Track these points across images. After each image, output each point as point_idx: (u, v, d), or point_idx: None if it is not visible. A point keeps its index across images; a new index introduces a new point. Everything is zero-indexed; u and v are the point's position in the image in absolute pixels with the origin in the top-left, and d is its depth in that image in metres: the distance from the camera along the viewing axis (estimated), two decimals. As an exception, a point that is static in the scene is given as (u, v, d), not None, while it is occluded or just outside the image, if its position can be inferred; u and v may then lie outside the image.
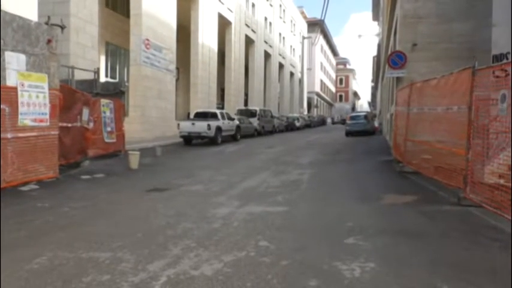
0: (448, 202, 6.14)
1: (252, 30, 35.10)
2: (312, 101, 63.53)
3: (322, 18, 42.23)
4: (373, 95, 58.96)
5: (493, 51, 7.71)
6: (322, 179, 8.82)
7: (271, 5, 41.38)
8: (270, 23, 41.51)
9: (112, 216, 5.44)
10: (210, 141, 17.62)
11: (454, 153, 6.28)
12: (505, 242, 4.23)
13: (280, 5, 45.03)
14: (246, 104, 34.15)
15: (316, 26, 58.41)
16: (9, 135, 6.74)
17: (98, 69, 13.47)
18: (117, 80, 21.72)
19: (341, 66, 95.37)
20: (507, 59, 7.21)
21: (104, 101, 11.55)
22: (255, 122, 24.24)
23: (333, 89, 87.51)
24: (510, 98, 4.77)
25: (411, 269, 3.50)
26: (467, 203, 5.71)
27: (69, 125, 9.25)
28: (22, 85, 7.06)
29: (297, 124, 35.29)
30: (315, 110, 64.46)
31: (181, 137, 17.64)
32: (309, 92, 60.04)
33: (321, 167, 10.69)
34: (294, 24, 52.66)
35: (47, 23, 7.95)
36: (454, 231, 4.65)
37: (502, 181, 4.94)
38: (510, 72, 4.82)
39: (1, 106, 6.60)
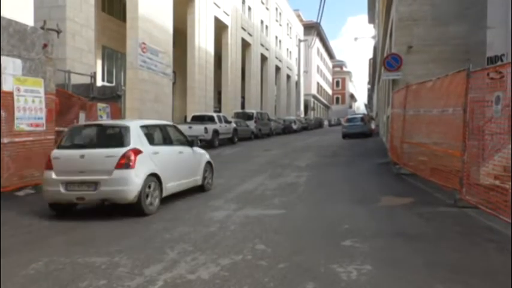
0: (445, 204, 6.16)
1: (249, 34, 35.15)
2: (309, 103, 63.57)
3: (318, 21, 42.24)
4: (370, 97, 59.01)
5: (488, 53, 7.75)
6: (319, 181, 8.82)
7: (267, 9, 41.49)
8: (267, 26, 41.60)
9: (109, 220, 5.43)
10: (207, 145, 17.59)
11: (450, 155, 6.31)
12: (501, 243, 4.24)
13: (277, 8, 45.15)
14: (243, 107, 34.12)
15: (312, 29, 58.53)
16: (5, 140, 6.71)
17: (95, 73, 13.44)
18: (113, 83, 21.66)
19: (337, 69, 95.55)
20: (501, 60, 7.25)
21: (100, 105, 11.52)
22: (252, 125, 24.21)
23: (330, 92, 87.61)
24: (506, 99, 4.79)
25: (408, 271, 3.50)
26: (463, 205, 5.73)
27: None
28: (18, 90, 7.04)
29: (294, 127, 35.28)
30: (312, 112, 64.52)
31: (179, 140, 17.57)
32: (305, 95, 60.01)
33: (318, 169, 10.69)
34: (290, 27, 52.79)
35: (42, 28, 7.95)
36: (450, 233, 4.67)
37: (497, 182, 4.97)
38: (504, 74, 4.85)
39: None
